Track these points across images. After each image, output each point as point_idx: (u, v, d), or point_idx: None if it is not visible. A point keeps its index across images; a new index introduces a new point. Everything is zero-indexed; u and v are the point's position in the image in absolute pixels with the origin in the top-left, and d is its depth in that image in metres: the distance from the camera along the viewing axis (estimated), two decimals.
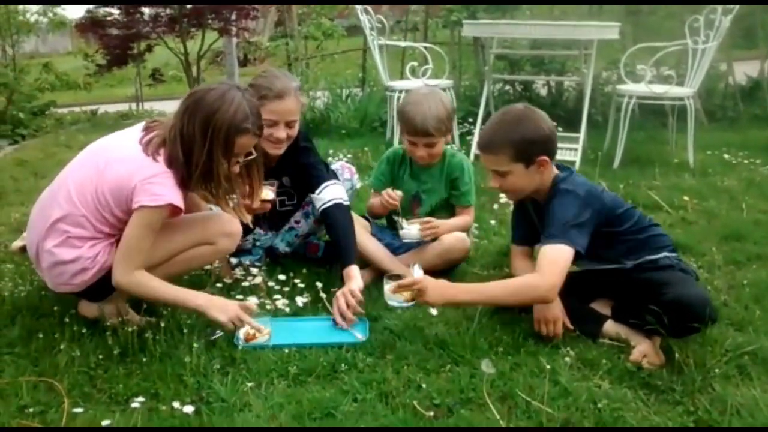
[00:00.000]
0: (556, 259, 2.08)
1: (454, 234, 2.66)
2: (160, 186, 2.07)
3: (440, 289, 2.14)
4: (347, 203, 2.61)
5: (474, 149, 4.70)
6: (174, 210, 2.11)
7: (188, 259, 2.30)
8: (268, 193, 2.51)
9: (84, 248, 2.14)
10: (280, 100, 2.51)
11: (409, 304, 2.22)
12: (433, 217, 2.66)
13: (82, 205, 2.12)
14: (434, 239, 2.65)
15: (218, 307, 2.15)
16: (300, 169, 2.68)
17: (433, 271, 2.57)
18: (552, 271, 2.07)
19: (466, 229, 2.79)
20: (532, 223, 2.40)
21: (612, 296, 2.37)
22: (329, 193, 2.58)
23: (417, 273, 2.28)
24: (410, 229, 2.60)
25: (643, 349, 2.08)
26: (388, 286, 2.23)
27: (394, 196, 2.64)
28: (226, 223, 2.35)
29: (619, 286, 2.30)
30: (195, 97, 2.14)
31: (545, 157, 2.21)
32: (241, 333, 2.18)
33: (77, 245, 2.13)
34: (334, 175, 2.69)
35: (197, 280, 2.57)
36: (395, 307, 2.30)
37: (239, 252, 2.72)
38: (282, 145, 2.59)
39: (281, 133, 2.55)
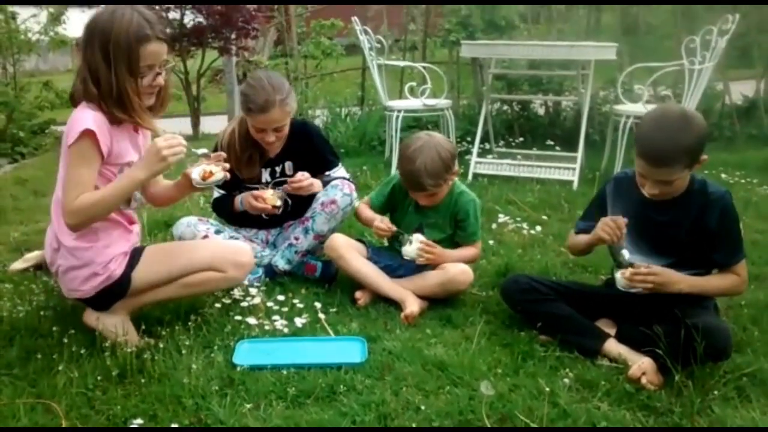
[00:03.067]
0: (745, 271, 2.29)
1: (459, 266, 2.61)
2: (74, 122, 2.09)
3: (673, 281, 2.18)
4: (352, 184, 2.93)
5: (477, 166, 4.72)
6: (91, 135, 2.07)
7: (194, 283, 2.31)
8: (276, 200, 2.73)
9: (98, 246, 2.17)
10: (264, 114, 2.72)
11: (637, 290, 2.21)
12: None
13: None
14: (435, 266, 2.63)
15: (152, 161, 2.11)
16: (310, 152, 2.90)
17: (431, 298, 2.61)
18: (746, 280, 2.32)
19: (472, 261, 2.74)
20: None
21: (617, 317, 2.38)
22: (340, 173, 2.95)
23: (628, 257, 2.22)
24: (409, 250, 2.60)
25: (643, 366, 2.09)
26: (624, 274, 2.20)
27: (384, 229, 2.63)
28: (237, 253, 2.37)
29: (641, 301, 2.28)
30: (89, 26, 2.14)
31: (705, 156, 2.16)
32: (196, 174, 2.21)
33: (98, 238, 2.18)
34: (339, 159, 3.02)
35: (195, 299, 2.56)
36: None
37: None
38: (274, 145, 2.83)
39: (270, 137, 2.78)
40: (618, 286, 2.24)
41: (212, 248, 2.40)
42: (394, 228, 2.64)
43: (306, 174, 2.78)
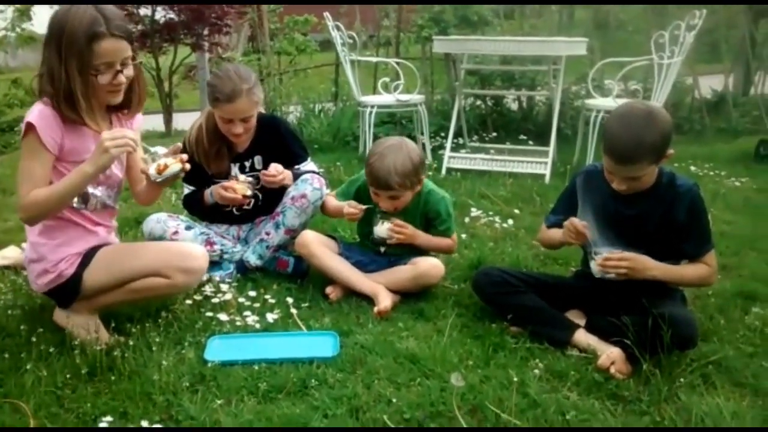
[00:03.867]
0: (714, 261, 2.32)
1: (430, 260, 2.63)
2: (26, 119, 2.07)
3: (646, 267, 2.19)
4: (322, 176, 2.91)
5: (450, 160, 4.75)
6: (33, 129, 2.05)
7: (140, 289, 2.24)
8: (246, 189, 2.71)
9: (53, 243, 2.17)
10: (231, 103, 2.69)
11: (611, 276, 2.21)
12: (404, 250, 2.66)
13: None
14: (408, 260, 2.64)
15: (96, 154, 2.04)
16: (279, 146, 2.89)
17: (403, 292, 2.62)
18: (716, 270, 2.36)
19: (447, 252, 2.76)
20: (573, 212, 2.36)
21: (587, 308, 2.41)
22: (309, 167, 2.94)
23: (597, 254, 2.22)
24: (380, 230, 2.60)
25: (612, 356, 2.12)
26: (597, 260, 2.20)
27: (355, 212, 2.62)
28: (186, 258, 2.27)
29: (610, 292, 2.31)
30: (49, 23, 2.10)
31: (671, 150, 2.18)
32: (152, 169, 2.17)
33: (54, 236, 2.18)
34: (308, 154, 3.00)
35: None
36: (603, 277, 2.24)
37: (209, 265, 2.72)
38: (241, 137, 2.81)
39: (238, 128, 2.75)
40: (593, 274, 2.25)
41: (159, 253, 2.29)
42: (364, 207, 2.62)
43: (279, 167, 2.78)
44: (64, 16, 2.06)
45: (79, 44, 2.03)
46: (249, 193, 2.75)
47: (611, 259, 2.19)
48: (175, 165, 2.18)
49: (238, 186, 2.73)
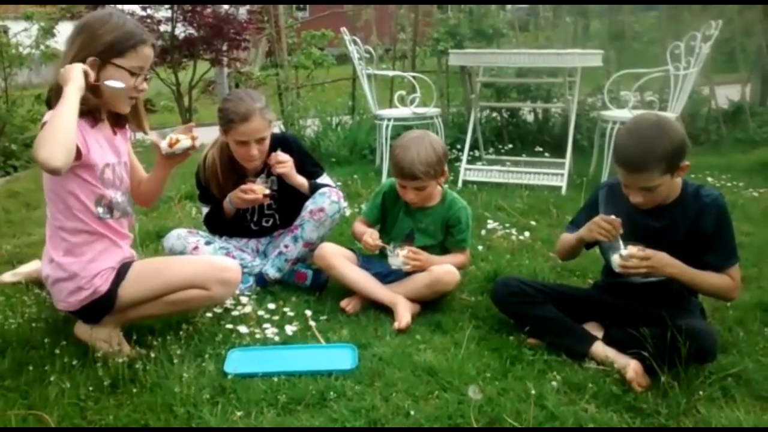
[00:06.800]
0: (738, 276, 2.29)
1: (444, 266, 2.64)
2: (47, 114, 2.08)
3: (665, 263, 2.18)
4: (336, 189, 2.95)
5: (467, 173, 4.76)
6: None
7: (178, 301, 2.29)
8: (265, 189, 2.79)
9: (83, 260, 2.19)
10: (247, 123, 2.73)
11: (640, 278, 2.21)
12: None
13: (53, 202, 2.20)
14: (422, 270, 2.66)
15: (73, 77, 2.03)
16: (295, 163, 2.86)
17: (421, 302, 2.63)
18: (739, 285, 2.31)
19: (459, 268, 2.76)
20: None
21: (604, 320, 2.41)
22: (326, 181, 2.97)
23: (629, 250, 2.20)
24: (395, 260, 2.63)
25: (636, 368, 2.11)
26: (620, 255, 2.18)
27: (371, 243, 2.66)
28: (223, 270, 2.34)
29: (628, 304, 2.31)
30: (86, 29, 2.15)
31: (687, 163, 2.18)
32: (164, 143, 2.26)
33: (82, 253, 2.19)
34: (323, 170, 3.04)
35: None
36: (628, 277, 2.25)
37: None
38: (256, 162, 2.84)
39: (253, 150, 2.78)
40: (613, 268, 2.23)
41: (198, 265, 2.37)
42: (381, 243, 2.67)
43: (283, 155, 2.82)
44: (105, 18, 2.15)
45: (125, 46, 2.14)
46: (268, 192, 2.79)
47: (634, 258, 2.17)
48: (186, 140, 2.27)
49: (257, 186, 2.77)
